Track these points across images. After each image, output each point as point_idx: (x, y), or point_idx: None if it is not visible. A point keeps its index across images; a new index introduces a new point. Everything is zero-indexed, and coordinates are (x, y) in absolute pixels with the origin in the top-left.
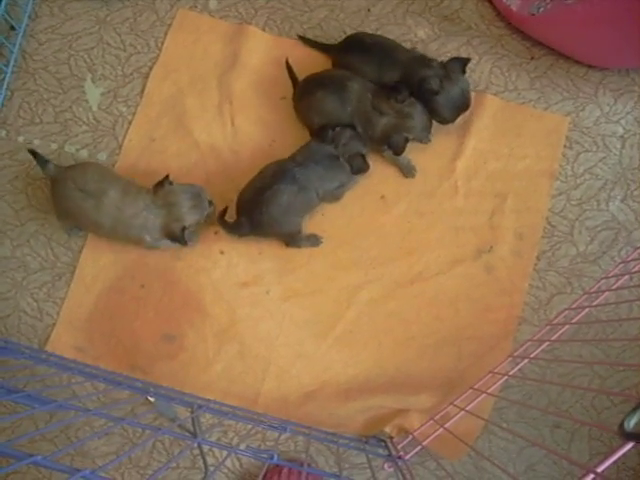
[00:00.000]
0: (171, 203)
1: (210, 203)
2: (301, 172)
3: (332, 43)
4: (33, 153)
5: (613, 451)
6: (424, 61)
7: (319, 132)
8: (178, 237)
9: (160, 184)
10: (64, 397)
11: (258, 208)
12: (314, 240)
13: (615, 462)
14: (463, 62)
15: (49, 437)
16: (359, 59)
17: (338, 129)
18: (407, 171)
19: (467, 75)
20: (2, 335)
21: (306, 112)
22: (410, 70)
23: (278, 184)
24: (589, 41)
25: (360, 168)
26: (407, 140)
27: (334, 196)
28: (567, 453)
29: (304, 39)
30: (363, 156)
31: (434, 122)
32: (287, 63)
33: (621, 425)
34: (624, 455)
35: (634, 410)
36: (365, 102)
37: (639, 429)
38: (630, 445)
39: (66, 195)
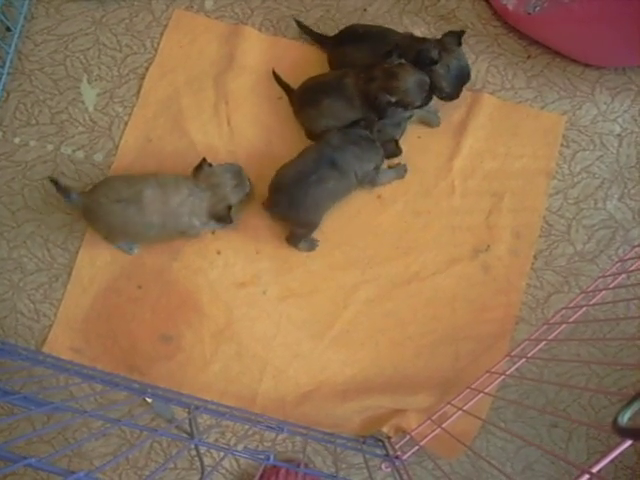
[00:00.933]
0: (215, 184)
1: (249, 181)
2: (340, 156)
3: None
4: (54, 182)
5: (609, 451)
6: (419, 39)
7: (353, 123)
8: (224, 217)
9: (199, 167)
10: (61, 398)
11: (303, 190)
12: (311, 244)
13: (612, 461)
14: (458, 35)
15: (47, 439)
16: (353, 48)
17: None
18: (434, 123)
19: None
20: None
21: (315, 119)
22: (405, 46)
23: (323, 169)
24: (585, 40)
25: (393, 152)
26: (390, 102)
27: (371, 179)
28: (565, 452)
29: (301, 25)
30: (396, 141)
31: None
32: (274, 73)
33: (615, 420)
34: (622, 454)
35: (627, 405)
36: (361, 83)
37: (635, 424)
38: (626, 445)
39: (105, 213)
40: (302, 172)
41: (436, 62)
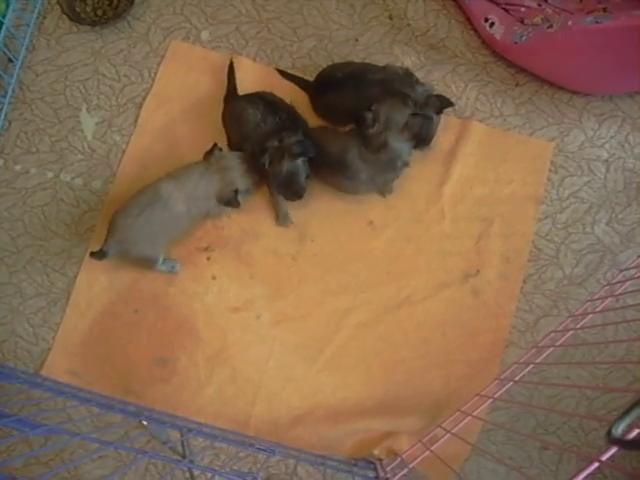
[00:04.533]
0: (224, 167)
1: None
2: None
3: (309, 79)
4: (93, 254)
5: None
6: (410, 81)
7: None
8: (232, 201)
9: (210, 151)
10: (59, 421)
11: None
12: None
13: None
14: (444, 104)
15: (44, 460)
16: (336, 95)
17: None
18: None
19: (454, 101)
20: None
21: None
22: (390, 88)
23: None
24: (571, 68)
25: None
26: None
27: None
28: (555, 474)
29: (283, 73)
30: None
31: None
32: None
33: (609, 432)
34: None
35: (621, 417)
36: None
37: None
38: (592, 467)
39: (139, 227)
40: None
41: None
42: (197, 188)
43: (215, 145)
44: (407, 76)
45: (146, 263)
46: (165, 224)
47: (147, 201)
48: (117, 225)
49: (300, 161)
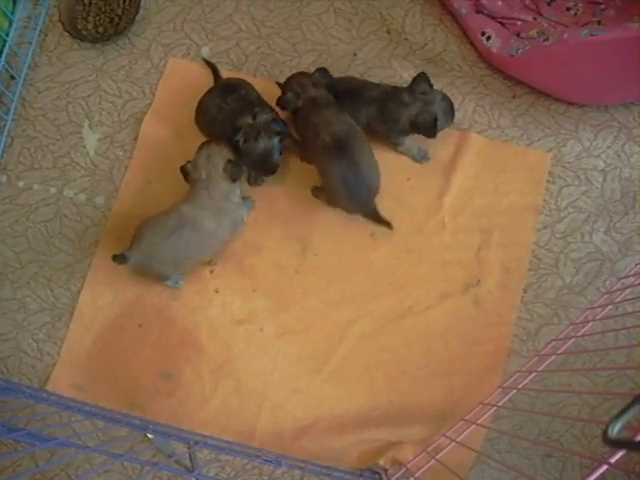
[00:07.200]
0: (206, 163)
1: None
2: None
3: None
4: (115, 257)
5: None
6: (396, 97)
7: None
8: (237, 168)
9: (185, 174)
10: (64, 435)
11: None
12: None
13: None
14: (424, 79)
15: (50, 475)
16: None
17: None
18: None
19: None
20: (3, 375)
21: None
22: (385, 107)
23: None
24: (567, 80)
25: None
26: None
27: None
28: None
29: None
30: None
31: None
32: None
33: (605, 433)
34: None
35: (617, 417)
36: None
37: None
38: (602, 469)
39: (167, 249)
40: None
41: (437, 120)
42: (214, 198)
43: (183, 167)
44: (397, 92)
45: (158, 277)
46: (194, 246)
47: (174, 224)
48: (145, 240)
49: (276, 139)
